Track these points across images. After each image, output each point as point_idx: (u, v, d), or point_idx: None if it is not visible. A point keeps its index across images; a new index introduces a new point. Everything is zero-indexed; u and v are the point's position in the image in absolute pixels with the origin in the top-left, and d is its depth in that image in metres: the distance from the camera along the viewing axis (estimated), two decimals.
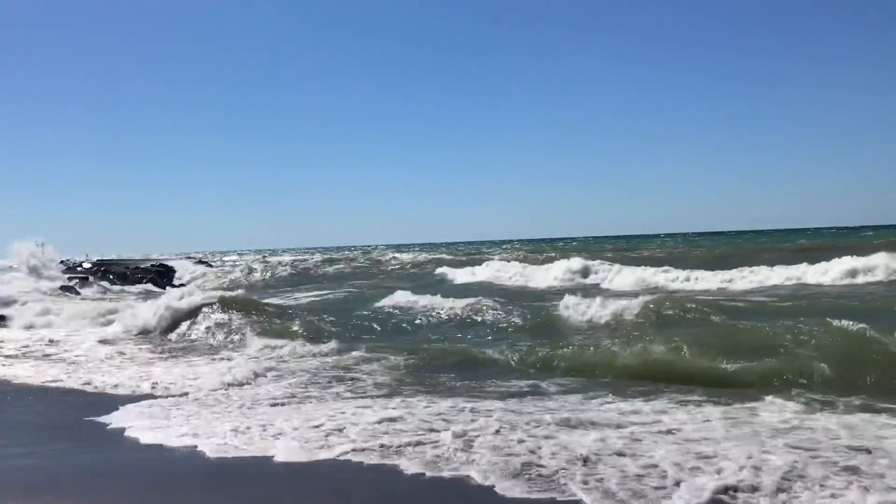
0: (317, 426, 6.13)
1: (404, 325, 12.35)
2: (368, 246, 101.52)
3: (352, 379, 8.56)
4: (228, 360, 10.34)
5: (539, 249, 47.96)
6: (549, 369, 8.85)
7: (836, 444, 5.21)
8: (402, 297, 13.93)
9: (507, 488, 4.55)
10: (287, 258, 55.99)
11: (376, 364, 9.34)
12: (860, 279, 17.71)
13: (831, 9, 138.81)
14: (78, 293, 25.02)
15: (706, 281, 19.31)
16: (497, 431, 5.79)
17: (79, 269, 33.90)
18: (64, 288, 25.39)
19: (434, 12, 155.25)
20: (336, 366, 9.34)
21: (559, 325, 11.83)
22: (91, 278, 30.09)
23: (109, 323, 14.43)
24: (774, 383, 7.42)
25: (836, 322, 8.86)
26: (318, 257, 51.54)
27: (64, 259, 37.74)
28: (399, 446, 5.48)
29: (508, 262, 28.75)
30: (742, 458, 4.87)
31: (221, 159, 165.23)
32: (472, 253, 47.52)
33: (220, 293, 15.55)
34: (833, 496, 4.19)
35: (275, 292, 24.60)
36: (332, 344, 10.79)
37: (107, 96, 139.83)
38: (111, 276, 32.15)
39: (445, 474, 4.90)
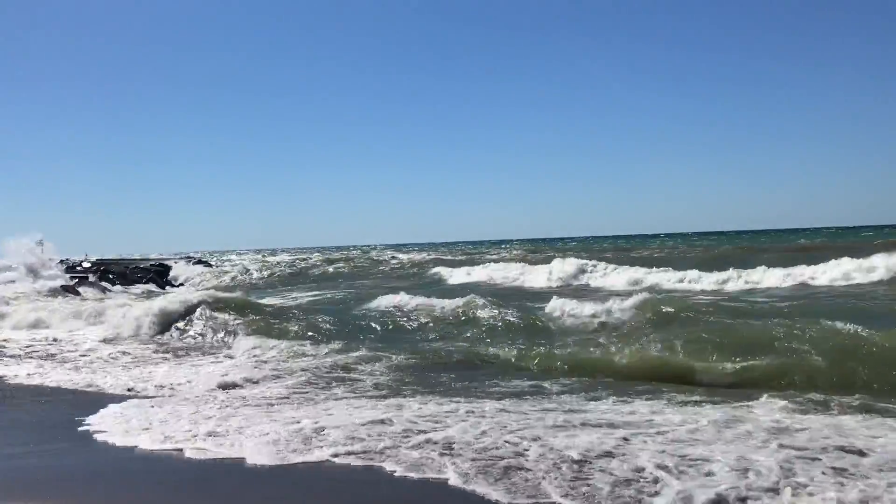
0: (299, 428, 6.08)
1: (397, 325, 12.27)
2: (368, 245, 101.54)
3: (345, 380, 8.53)
4: (221, 360, 10.31)
5: (538, 249, 47.96)
6: (541, 369, 8.80)
7: (828, 445, 5.19)
8: (392, 299, 13.90)
9: (486, 492, 4.49)
10: (285, 258, 56.02)
11: (369, 364, 9.30)
12: (857, 280, 17.66)
13: (830, 10, 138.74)
14: (79, 293, 25.01)
15: (702, 281, 19.28)
16: (484, 433, 5.73)
17: (78, 268, 33.88)
18: (65, 288, 25.37)
19: (433, 13, 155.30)
20: (329, 366, 9.28)
21: (550, 325, 11.77)
22: (91, 277, 30.07)
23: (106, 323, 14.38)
24: (769, 383, 7.41)
25: (829, 323, 8.85)
26: (316, 257, 51.54)
27: (63, 259, 37.70)
28: (382, 449, 5.43)
29: (506, 262, 28.78)
30: (732, 460, 4.83)
31: (221, 159, 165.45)
32: (471, 253, 47.51)
33: (216, 294, 15.54)
34: (823, 500, 4.14)
35: (272, 292, 24.62)
36: (325, 344, 10.75)
37: (106, 97, 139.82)
38: (110, 276, 32.13)
39: (425, 476, 4.85)
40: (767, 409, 6.34)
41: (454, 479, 4.76)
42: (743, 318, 11.42)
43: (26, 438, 6.33)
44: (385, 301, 13.97)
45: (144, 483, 5.05)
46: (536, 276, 22.32)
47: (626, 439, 5.45)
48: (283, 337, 11.66)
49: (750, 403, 6.59)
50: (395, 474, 4.95)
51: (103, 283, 29.49)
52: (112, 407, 7.35)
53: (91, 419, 6.81)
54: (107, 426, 6.53)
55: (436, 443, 5.56)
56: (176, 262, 41.23)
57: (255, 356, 10.42)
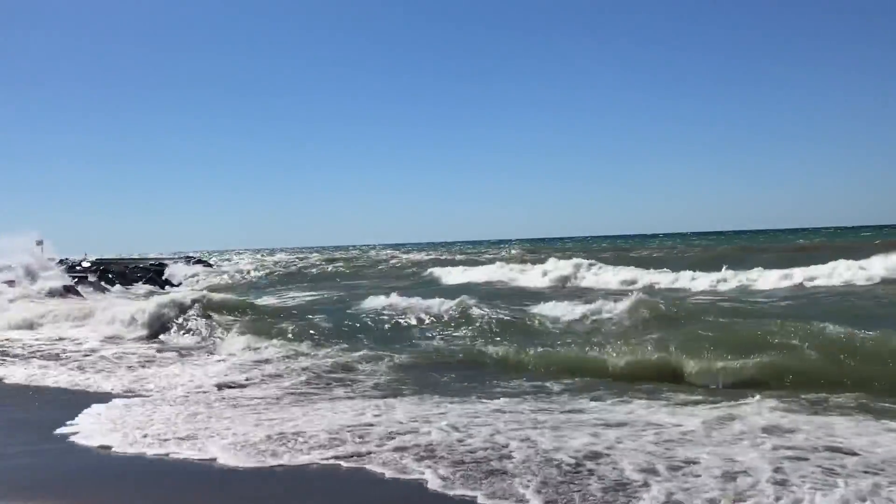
0: (282, 430, 6.06)
1: (386, 326, 12.22)
2: (367, 245, 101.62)
3: (337, 380, 8.52)
4: (215, 361, 10.27)
5: (536, 249, 47.97)
6: (534, 370, 8.79)
7: (818, 445, 5.20)
8: (383, 301, 13.92)
9: (464, 494, 4.49)
10: (284, 257, 56.14)
11: (369, 364, 9.32)
12: (855, 281, 17.56)
13: (829, 10, 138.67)
14: (80, 295, 25.06)
15: (698, 281, 19.24)
16: (470, 435, 5.72)
17: (77, 268, 33.92)
18: (66, 288, 25.42)
19: (432, 13, 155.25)
20: (322, 367, 9.27)
21: (542, 326, 11.70)
22: (91, 277, 30.10)
23: (108, 324, 14.35)
24: (763, 384, 7.41)
25: (821, 325, 8.86)
26: (315, 257, 51.62)
27: (63, 258, 37.76)
28: (364, 451, 5.40)
29: (503, 262, 28.81)
30: (721, 462, 4.85)
31: (220, 159, 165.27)
32: (470, 253, 47.58)
33: (212, 293, 15.55)
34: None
35: (270, 292, 24.65)
36: (315, 345, 10.76)
37: (106, 97, 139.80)
38: (110, 276, 32.17)
39: (406, 478, 4.84)
40: (760, 410, 6.34)
41: (434, 483, 4.73)
42: (738, 318, 11.39)
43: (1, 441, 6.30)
44: (375, 302, 13.99)
45: (111, 484, 5.04)
46: (532, 277, 22.26)
47: (618, 440, 5.45)
48: (278, 337, 11.65)
49: (743, 404, 6.60)
50: (377, 477, 4.93)
51: (103, 283, 29.54)
52: (95, 407, 7.33)
53: (75, 420, 6.78)
54: (85, 427, 6.52)
55: (420, 445, 5.53)
56: (175, 262, 41.26)
57: (249, 357, 10.41)
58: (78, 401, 7.82)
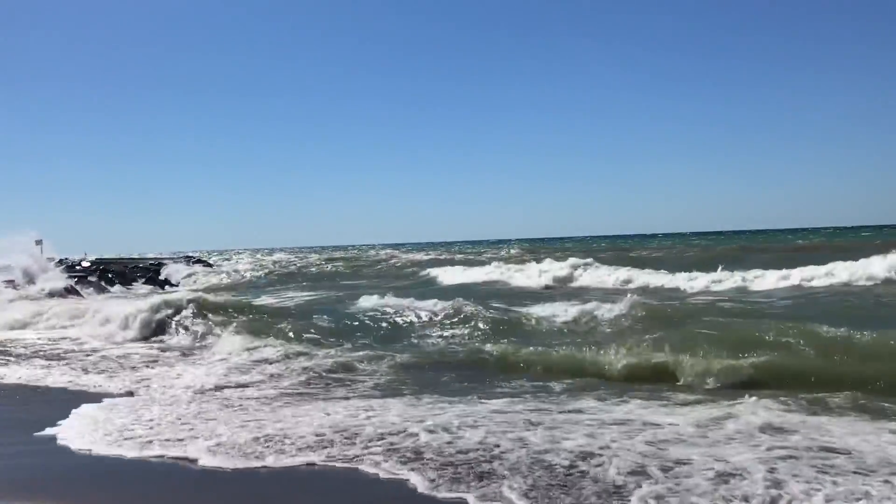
0: (269, 431, 6.04)
1: (383, 325, 12.14)
2: (367, 245, 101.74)
3: (333, 381, 8.52)
4: (211, 361, 10.25)
5: (536, 249, 48.06)
6: (527, 371, 8.77)
7: (812, 445, 5.21)
8: (375, 301, 13.96)
9: (453, 497, 4.48)
10: (283, 257, 56.27)
11: (362, 365, 9.29)
12: (853, 281, 17.44)
13: (828, 11, 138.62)
14: (80, 294, 25.12)
15: (695, 282, 19.22)
16: (459, 437, 5.70)
17: (77, 267, 34.00)
18: (67, 289, 25.47)
19: (432, 14, 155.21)
20: (317, 368, 9.26)
21: (537, 326, 11.67)
22: (91, 277, 30.15)
23: (103, 324, 14.40)
24: (757, 384, 7.40)
25: (818, 326, 8.87)
26: (314, 257, 51.77)
27: (63, 258, 37.85)
28: (348, 452, 5.39)
29: (501, 262, 28.88)
30: (714, 463, 4.86)
31: (221, 159, 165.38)
32: (469, 253, 47.69)
33: (208, 294, 15.53)
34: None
35: (269, 291, 24.68)
36: (311, 345, 10.75)
37: (106, 97, 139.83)
38: (110, 275, 32.23)
39: (391, 479, 4.85)
40: (755, 410, 6.34)
41: (422, 485, 4.71)
42: (735, 318, 11.39)
43: None
44: (368, 303, 14.00)
45: (87, 485, 5.04)
46: (529, 277, 22.28)
47: (613, 441, 5.45)
48: (274, 337, 11.62)
49: (739, 404, 6.61)
50: (365, 478, 4.92)
51: (103, 283, 29.61)
52: (85, 407, 7.31)
53: (62, 421, 6.75)
54: (69, 428, 6.49)
55: (410, 446, 5.52)
56: (175, 262, 41.33)
57: (244, 357, 10.39)
58: (69, 401, 7.80)
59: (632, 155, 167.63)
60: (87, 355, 11.45)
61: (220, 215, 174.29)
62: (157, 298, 14.71)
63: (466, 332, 11.59)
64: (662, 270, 21.53)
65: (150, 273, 34.69)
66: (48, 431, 6.42)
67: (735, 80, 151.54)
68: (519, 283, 21.95)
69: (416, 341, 11.33)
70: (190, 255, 53.85)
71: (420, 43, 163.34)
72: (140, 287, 30.75)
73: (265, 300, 18.95)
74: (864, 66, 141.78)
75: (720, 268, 19.57)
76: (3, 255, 27.93)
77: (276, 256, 59.29)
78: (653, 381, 7.94)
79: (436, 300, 13.32)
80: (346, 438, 5.83)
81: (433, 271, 27.74)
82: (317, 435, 5.94)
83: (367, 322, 12.56)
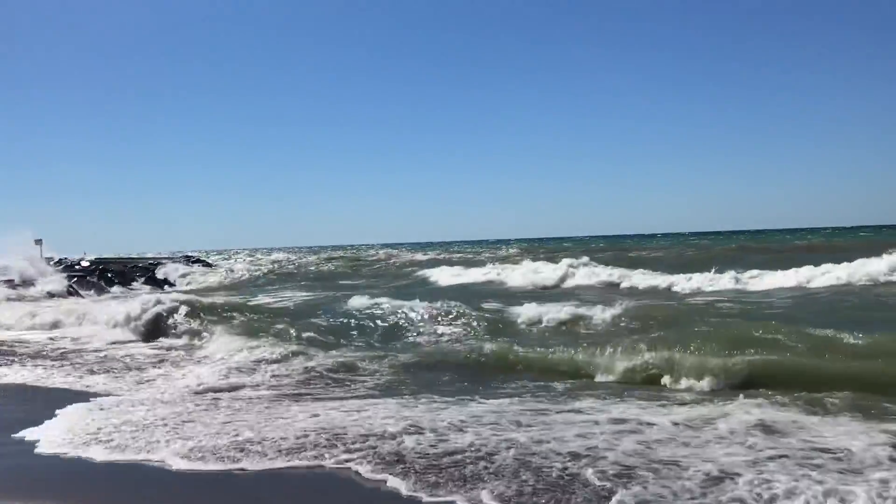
0: (251, 433, 6.04)
1: (377, 326, 12.22)
2: (366, 245, 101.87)
3: (318, 382, 8.55)
4: (201, 363, 10.27)
5: (534, 249, 48.21)
6: (520, 371, 8.83)
7: (804, 446, 5.25)
8: (367, 301, 14.05)
9: (438, 500, 4.51)
10: (282, 257, 56.43)
11: (349, 367, 9.31)
12: (851, 281, 17.38)
13: (827, 11, 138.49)
14: (80, 295, 25.24)
15: (693, 282, 19.15)
16: (445, 440, 5.71)
17: (77, 267, 34.13)
18: (69, 291, 25.60)
19: (431, 14, 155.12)
20: (307, 369, 9.33)
21: (529, 327, 11.78)
22: (91, 277, 30.25)
23: (99, 325, 14.47)
24: (753, 384, 7.48)
25: (811, 327, 8.96)
26: (313, 257, 51.94)
27: (62, 258, 38.01)
28: (328, 455, 5.40)
29: (499, 262, 28.99)
30: (699, 462, 4.92)
31: (220, 160, 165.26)
32: (467, 253, 47.87)
33: (204, 294, 15.54)
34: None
35: (267, 291, 24.75)
36: (302, 346, 10.81)
37: (106, 97, 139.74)
38: (109, 275, 32.35)
39: (373, 481, 4.84)
40: (749, 410, 6.38)
41: (406, 488, 4.72)
42: (731, 319, 11.44)
43: None
44: (358, 303, 14.11)
45: (50, 488, 5.02)
46: (525, 277, 22.33)
47: (604, 442, 5.49)
48: (267, 337, 11.60)
49: (732, 404, 6.67)
50: (347, 481, 4.92)
51: (102, 283, 29.74)
52: (70, 408, 7.31)
53: (48, 422, 6.75)
54: (50, 430, 6.47)
55: (395, 448, 5.52)
56: (173, 261, 41.46)
57: (236, 358, 10.41)
58: (57, 401, 7.78)
59: (631, 155, 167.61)
60: (82, 356, 11.48)
61: (220, 215, 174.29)
62: (152, 299, 14.72)
63: (459, 332, 11.60)
64: (659, 271, 21.50)
65: (150, 273, 34.78)
66: (25, 432, 6.39)
67: (734, 80, 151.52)
68: (514, 283, 21.92)
69: (408, 342, 11.33)
70: (189, 254, 53.99)
71: (418, 44, 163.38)
72: (140, 287, 30.84)
73: (262, 300, 19.02)
74: (862, 67, 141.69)
75: (713, 269, 19.56)
76: (2, 256, 28.11)
77: (275, 256, 59.39)
78: (648, 381, 8.00)
79: (428, 301, 13.37)
80: (331, 440, 5.81)
81: (430, 272, 27.79)
82: (301, 437, 5.92)
83: (361, 322, 12.59)
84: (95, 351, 12.10)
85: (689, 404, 6.85)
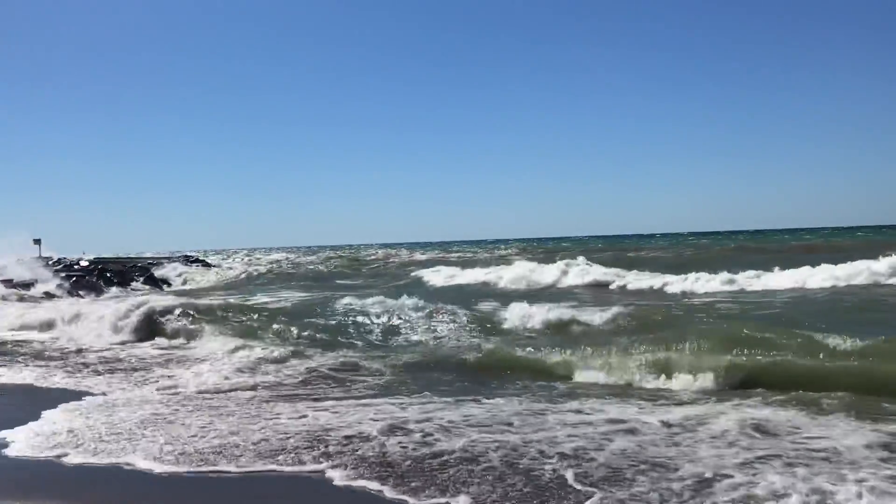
0: (233, 436, 6.01)
1: (370, 327, 12.14)
2: (365, 244, 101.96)
3: (307, 384, 8.48)
4: (194, 364, 10.19)
5: (532, 249, 48.36)
6: (508, 372, 8.79)
7: (798, 447, 5.27)
8: (354, 302, 14.15)
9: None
10: (281, 256, 56.62)
11: (340, 368, 9.26)
12: (848, 282, 17.39)
13: (825, 12, 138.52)
14: (80, 296, 25.31)
15: (687, 282, 19.18)
16: (437, 439, 5.71)
17: (76, 267, 34.21)
18: (68, 292, 25.66)
19: (431, 15, 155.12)
20: (295, 371, 9.26)
21: (521, 328, 11.71)
22: (89, 277, 30.32)
23: (93, 326, 14.46)
24: (745, 384, 7.52)
25: (806, 328, 8.99)
26: (312, 257, 52.16)
27: (61, 257, 38.11)
28: (308, 457, 5.37)
29: (496, 263, 29.07)
30: (689, 463, 4.93)
31: (220, 159, 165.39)
32: (466, 253, 48.03)
33: (199, 295, 15.46)
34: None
35: (265, 291, 24.81)
36: (296, 348, 10.82)
37: (106, 96, 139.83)
38: (108, 275, 32.43)
39: (354, 486, 4.81)
40: (741, 411, 6.40)
41: (390, 492, 4.69)
42: (727, 320, 11.41)
43: None
44: (353, 303, 14.17)
45: (14, 491, 4.96)
46: (521, 278, 22.32)
47: (594, 443, 5.51)
48: (260, 339, 11.56)
49: (726, 404, 6.70)
50: (326, 485, 4.87)
51: (101, 283, 29.80)
52: (55, 410, 7.24)
53: (32, 423, 6.71)
54: (29, 431, 6.43)
55: (378, 451, 5.49)
56: (171, 261, 41.55)
57: (229, 359, 10.38)
58: (45, 401, 7.76)
59: (631, 155, 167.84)
60: (74, 356, 11.48)
61: (219, 215, 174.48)
62: (148, 300, 14.72)
63: (453, 333, 11.57)
64: (657, 271, 21.50)
65: (149, 273, 34.86)
66: (2, 434, 6.33)
67: (734, 80, 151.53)
68: (510, 284, 21.97)
69: (402, 343, 11.29)
70: (188, 254, 54.12)
71: (418, 44, 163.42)
72: (139, 287, 30.91)
73: (260, 299, 19.10)
74: (862, 67, 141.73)
75: (712, 270, 19.61)
76: (2, 256, 28.23)
77: (274, 256, 59.55)
78: (644, 381, 8.00)
79: (423, 301, 13.38)
80: (312, 443, 5.78)
81: (427, 272, 27.81)
82: (283, 439, 5.87)
83: (357, 323, 12.54)
84: (86, 352, 12.08)
85: (684, 405, 6.87)
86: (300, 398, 7.76)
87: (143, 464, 5.41)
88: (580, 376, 8.41)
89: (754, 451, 5.21)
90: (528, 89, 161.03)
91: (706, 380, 7.78)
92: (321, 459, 5.38)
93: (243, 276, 36.12)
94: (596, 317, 11.75)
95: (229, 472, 5.21)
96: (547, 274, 22.80)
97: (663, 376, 8.09)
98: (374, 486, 4.83)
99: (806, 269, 18.72)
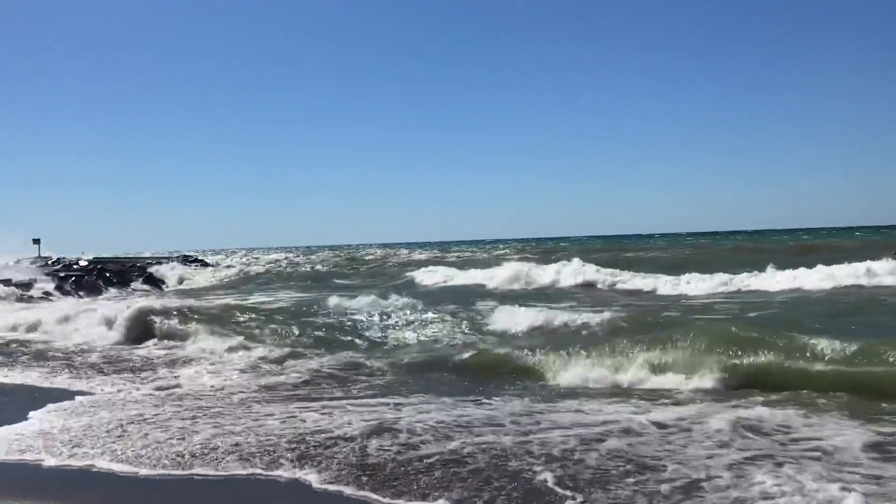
0: (216, 439, 5.98)
1: (367, 329, 12.08)
2: (364, 244, 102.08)
3: (302, 384, 8.47)
4: (185, 365, 10.20)
5: (530, 249, 48.43)
6: (501, 373, 8.79)
7: (788, 447, 5.30)
8: (345, 302, 14.25)
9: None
10: (280, 256, 56.72)
11: (333, 369, 9.26)
12: (845, 282, 17.33)
13: (824, 12, 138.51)
14: (79, 296, 25.37)
15: (684, 283, 19.12)
16: (423, 441, 5.68)
17: (75, 266, 34.26)
18: (67, 292, 25.71)
19: (430, 15, 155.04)
20: (289, 371, 9.28)
21: (511, 329, 11.61)
22: (88, 277, 30.37)
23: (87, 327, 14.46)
24: (741, 385, 7.58)
25: (802, 329, 9.02)
26: (310, 257, 52.28)
27: (60, 257, 38.17)
28: (286, 459, 5.34)
29: (493, 264, 29.06)
30: (677, 465, 4.95)
31: (220, 158, 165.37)
32: (464, 253, 48.11)
33: (194, 297, 15.42)
34: None
35: (263, 291, 24.84)
36: (290, 349, 10.83)
37: (105, 95, 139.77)
38: (107, 275, 32.48)
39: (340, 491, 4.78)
40: (735, 413, 6.38)
41: (373, 497, 4.64)
42: (723, 320, 11.38)
43: None
44: (347, 304, 14.21)
45: None
46: (517, 279, 22.21)
47: (585, 444, 5.51)
48: (254, 339, 11.61)
49: (720, 404, 6.72)
50: (299, 488, 4.84)
51: (100, 283, 29.85)
52: (41, 411, 7.22)
53: (16, 425, 6.65)
54: (3, 432, 6.39)
55: (357, 455, 5.45)
56: (170, 261, 41.62)
57: (223, 359, 10.40)
58: (32, 402, 7.75)
59: (630, 155, 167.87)
60: (68, 357, 11.46)
61: (218, 215, 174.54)
62: (143, 301, 14.73)
63: (447, 334, 11.57)
64: (655, 272, 21.46)
65: (148, 273, 34.90)
66: None
67: (734, 80, 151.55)
68: (505, 284, 21.96)
69: (398, 344, 11.23)
70: (187, 254, 54.23)
71: (418, 44, 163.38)
72: (138, 287, 30.96)
73: (257, 299, 19.11)
74: (862, 67, 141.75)
75: (705, 271, 19.62)
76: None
77: (273, 256, 59.63)
78: (639, 382, 8.01)
79: (420, 302, 13.48)
80: (295, 444, 5.75)
81: (424, 272, 27.78)
82: (265, 441, 5.84)
83: (351, 324, 12.56)
84: (81, 352, 12.05)
85: (677, 405, 6.89)
86: (292, 399, 7.74)
87: (117, 467, 5.36)
88: (575, 377, 8.40)
89: (745, 452, 5.22)
90: (528, 89, 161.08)
91: (701, 380, 7.80)
92: (302, 462, 5.32)
93: (242, 275, 36.20)
94: (590, 318, 11.68)
95: (206, 475, 5.14)
96: (542, 274, 22.81)
97: (658, 377, 8.10)
98: (349, 490, 4.77)
99: (803, 270, 18.66)
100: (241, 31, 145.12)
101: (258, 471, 5.21)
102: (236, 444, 5.81)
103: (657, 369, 8.22)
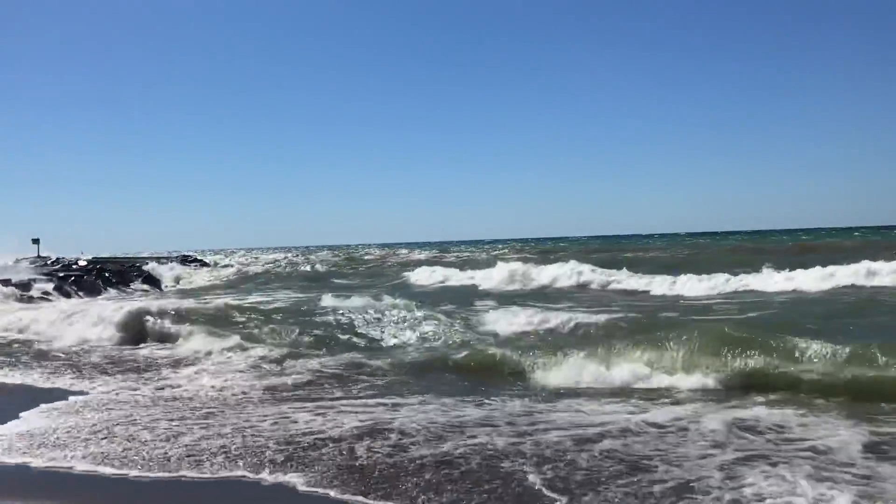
0: (206, 441, 5.95)
1: (365, 329, 11.95)
2: (364, 244, 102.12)
3: (290, 387, 8.32)
4: (180, 366, 10.17)
5: (528, 249, 48.44)
6: (498, 375, 8.75)
7: (785, 448, 5.29)
8: (338, 302, 14.25)
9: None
10: (279, 256, 56.78)
11: (330, 370, 9.22)
12: (843, 283, 17.32)
13: (824, 12, 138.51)
14: (79, 296, 25.35)
15: (682, 283, 19.17)
16: (414, 442, 5.64)
17: (74, 266, 34.25)
18: (65, 292, 25.72)
19: (430, 15, 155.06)
20: (288, 372, 9.24)
21: (507, 330, 11.51)
22: (87, 277, 30.35)
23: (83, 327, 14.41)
24: (737, 385, 7.55)
25: (799, 329, 9.01)
26: (310, 256, 52.32)
27: (59, 257, 38.17)
28: (268, 461, 5.30)
29: (489, 264, 29.09)
30: (670, 466, 4.94)
31: (218, 159, 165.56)
32: (462, 253, 48.16)
33: (191, 296, 15.45)
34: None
35: (261, 291, 24.83)
36: (287, 349, 10.76)
37: (105, 95, 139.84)
38: (107, 275, 32.46)
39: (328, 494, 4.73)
40: (730, 413, 6.37)
41: (351, 498, 4.61)
42: (718, 321, 11.35)
43: None
44: (342, 304, 14.20)
45: None
46: (514, 280, 22.18)
47: (578, 444, 5.50)
48: (248, 339, 11.58)
49: (715, 406, 6.73)
50: (284, 491, 4.80)
51: (99, 283, 29.83)
52: (30, 412, 7.19)
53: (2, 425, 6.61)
54: None
55: (346, 457, 5.40)
56: (170, 261, 41.64)
57: (218, 360, 10.37)
58: (24, 402, 7.73)
59: (630, 155, 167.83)
60: (65, 357, 11.44)
61: (218, 215, 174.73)
62: (140, 301, 14.72)
63: (443, 335, 11.48)
64: (654, 273, 21.43)
65: (147, 273, 34.91)
66: None
67: (734, 81, 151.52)
68: (501, 285, 21.97)
69: (393, 345, 11.20)
70: (187, 254, 54.25)
71: (418, 44, 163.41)
72: (138, 287, 30.95)
73: (255, 299, 19.10)
74: (862, 67, 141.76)
75: (703, 272, 19.59)
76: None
77: (272, 256, 59.73)
78: (636, 383, 8.00)
79: (417, 302, 13.45)
80: (282, 446, 5.70)
81: (422, 272, 27.82)
82: (251, 443, 5.79)
83: (349, 324, 12.52)
84: (78, 353, 12.01)
85: (674, 405, 6.88)
86: (290, 399, 7.70)
87: (98, 468, 5.32)
88: (572, 378, 8.36)
89: (739, 452, 5.21)
90: (528, 89, 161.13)
91: (698, 381, 7.78)
92: (289, 464, 5.27)
93: (241, 276, 36.23)
94: (587, 318, 11.68)
95: (191, 478, 5.09)
96: (540, 275, 22.80)
97: (655, 377, 8.09)
98: (335, 493, 4.72)
99: (802, 270, 18.63)
100: (241, 31, 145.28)
101: (243, 473, 5.14)
102: (223, 447, 5.74)
103: (654, 370, 8.19)
